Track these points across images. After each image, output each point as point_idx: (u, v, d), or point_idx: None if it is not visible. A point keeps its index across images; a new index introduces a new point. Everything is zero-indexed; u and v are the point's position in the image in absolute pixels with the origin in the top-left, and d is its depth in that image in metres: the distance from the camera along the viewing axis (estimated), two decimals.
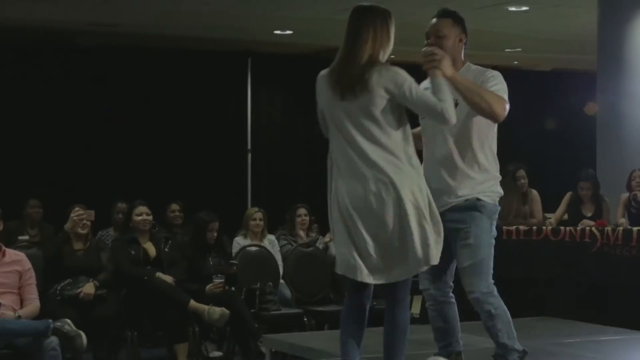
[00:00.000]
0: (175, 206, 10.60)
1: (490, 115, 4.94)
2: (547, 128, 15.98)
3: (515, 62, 17.29)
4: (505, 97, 5.00)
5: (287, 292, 9.27)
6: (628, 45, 11.06)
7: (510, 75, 17.74)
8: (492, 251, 5.14)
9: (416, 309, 8.19)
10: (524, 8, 12.44)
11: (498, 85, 5.02)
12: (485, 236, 5.08)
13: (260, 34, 14.00)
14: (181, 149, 14.12)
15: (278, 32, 13.92)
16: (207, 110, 14.54)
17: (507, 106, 4.98)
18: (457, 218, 5.06)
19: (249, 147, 14.95)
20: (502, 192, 5.19)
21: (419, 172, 4.67)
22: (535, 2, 11.99)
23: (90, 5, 12.06)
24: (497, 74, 5.09)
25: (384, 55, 4.68)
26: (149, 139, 13.93)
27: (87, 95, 13.59)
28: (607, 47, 11.35)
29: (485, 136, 5.11)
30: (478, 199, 5.07)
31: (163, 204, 10.66)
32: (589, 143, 11.85)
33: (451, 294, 5.33)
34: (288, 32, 13.95)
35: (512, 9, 12.48)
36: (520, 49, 16.04)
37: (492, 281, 5.11)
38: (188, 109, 14.29)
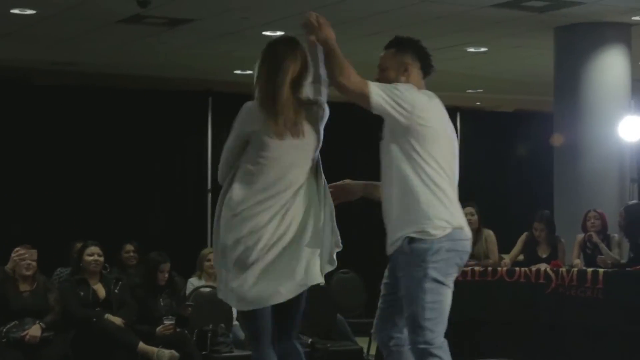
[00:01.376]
0: (129, 247, 10.47)
1: (334, 84, 4.61)
2: (507, 168, 16.01)
3: (478, 103, 17.38)
4: (372, 86, 4.64)
5: (240, 333, 9.15)
6: (583, 87, 11.14)
7: (473, 116, 17.95)
8: (437, 297, 4.63)
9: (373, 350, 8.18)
10: (483, 49, 12.53)
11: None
12: (415, 286, 4.65)
13: (221, 74, 14.00)
14: (140, 188, 14.00)
15: (238, 71, 13.92)
16: (167, 149, 14.45)
17: (361, 87, 4.61)
18: (393, 264, 4.80)
19: (209, 187, 14.87)
20: (436, 232, 4.63)
21: None
22: (493, 43, 12.07)
23: (49, 44, 12.02)
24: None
25: None
26: (108, 178, 13.80)
27: (45, 133, 13.46)
28: (563, 89, 11.43)
29: (420, 169, 4.67)
30: (408, 241, 4.67)
31: (121, 243, 10.55)
32: (546, 184, 11.89)
33: (401, 343, 4.90)
34: (249, 71, 13.93)
35: (471, 49, 12.56)
36: (481, 90, 16.14)
37: (440, 330, 4.69)
38: (148, 149, 14.19)
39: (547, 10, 10.25)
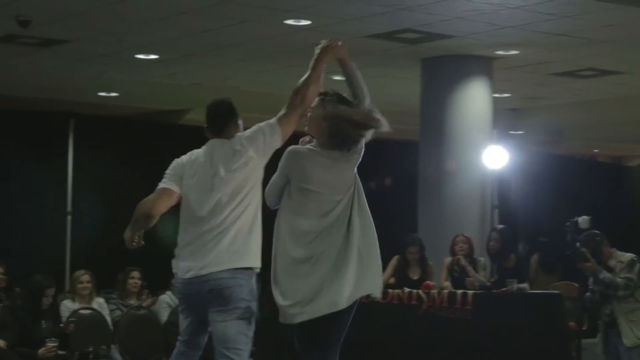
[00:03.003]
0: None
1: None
2: (373, 196, 16.35)
3: None
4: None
5: (117, 356, 9.15)
6: (448, 116, 11.54)
7: None
8: None
9: None
10: None
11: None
12: None
13: (85, 95, 13.90)
14: (1, 209, 13.76)
15: (103, 93, 13.86)
16: (27, 171, 14.23)
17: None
18: None
19: (69, 209, 14.68)
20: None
21: None
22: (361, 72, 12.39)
23: None
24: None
25: None
26: None
27: None
28: (428, 118, 11.83)
29: None
30: None
31: None
32: (411, 210, 12.22)
33: None
34: (113, 94, 13.91)
35: (337, 78, 12.84)
36: None
37: None
38: (7, 170, 13.96)
39: (419, 42, 10.62)
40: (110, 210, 14.97)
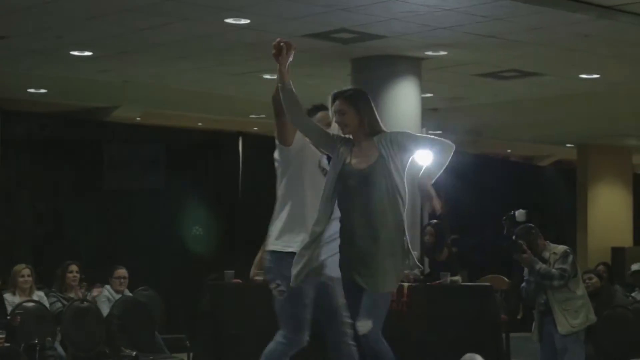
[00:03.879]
0: None
1: None
2: None
3: (255, 128, 17.92)
4: None
5: (60, 348, 9.22)
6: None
7: (252, 141, 18.08)
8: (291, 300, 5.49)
9: None
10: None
11: None
12: None
13: (14, 92, 13.86)
14: None
15: (32, 90, 13.83)
16: None
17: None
18: None
19: None
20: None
21: None
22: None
23: None
24: None
25: None
26: None
27: None
28: None
29: None
30: None
31: None
32: None
33: None
34: (42, 90, 13.90)
35: (267, 76, 13.05)
36: (264, 115, 16.67)
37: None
38: None
39: (352, 42, 10.87)
40: (38, 205, 14.97)
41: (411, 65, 11.83)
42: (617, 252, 20.03)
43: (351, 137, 5.35)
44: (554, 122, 17.77)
